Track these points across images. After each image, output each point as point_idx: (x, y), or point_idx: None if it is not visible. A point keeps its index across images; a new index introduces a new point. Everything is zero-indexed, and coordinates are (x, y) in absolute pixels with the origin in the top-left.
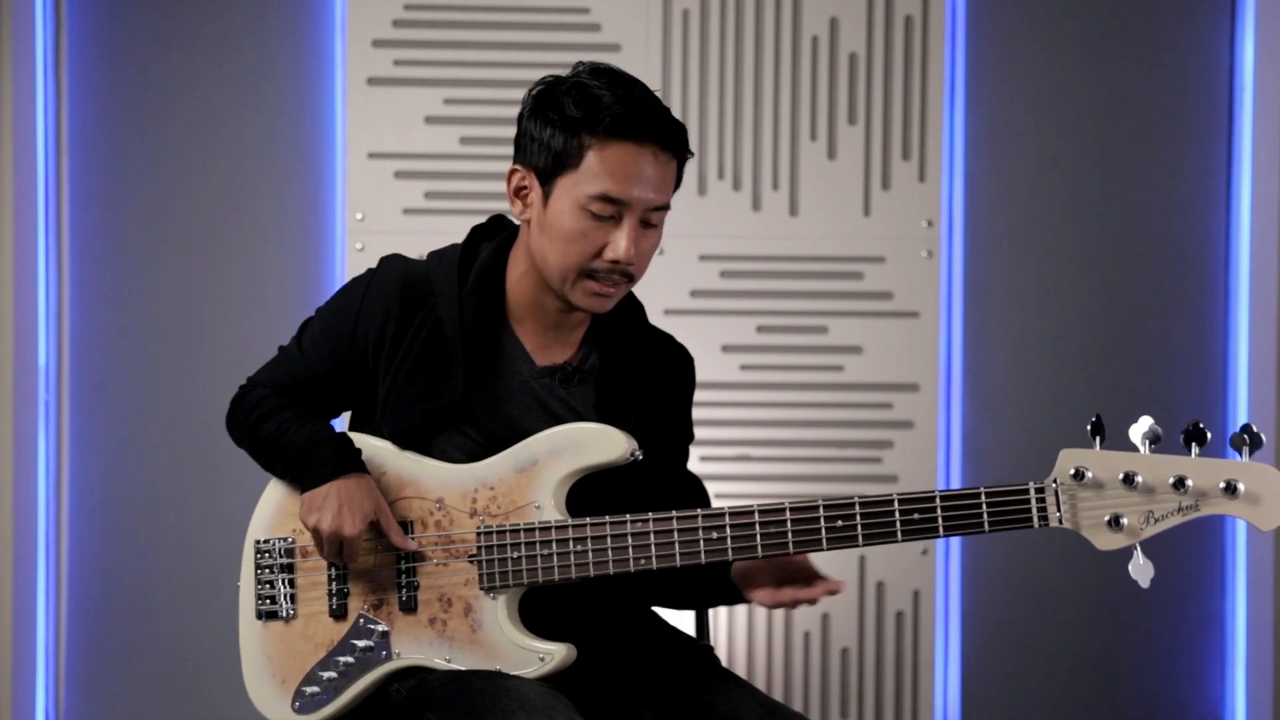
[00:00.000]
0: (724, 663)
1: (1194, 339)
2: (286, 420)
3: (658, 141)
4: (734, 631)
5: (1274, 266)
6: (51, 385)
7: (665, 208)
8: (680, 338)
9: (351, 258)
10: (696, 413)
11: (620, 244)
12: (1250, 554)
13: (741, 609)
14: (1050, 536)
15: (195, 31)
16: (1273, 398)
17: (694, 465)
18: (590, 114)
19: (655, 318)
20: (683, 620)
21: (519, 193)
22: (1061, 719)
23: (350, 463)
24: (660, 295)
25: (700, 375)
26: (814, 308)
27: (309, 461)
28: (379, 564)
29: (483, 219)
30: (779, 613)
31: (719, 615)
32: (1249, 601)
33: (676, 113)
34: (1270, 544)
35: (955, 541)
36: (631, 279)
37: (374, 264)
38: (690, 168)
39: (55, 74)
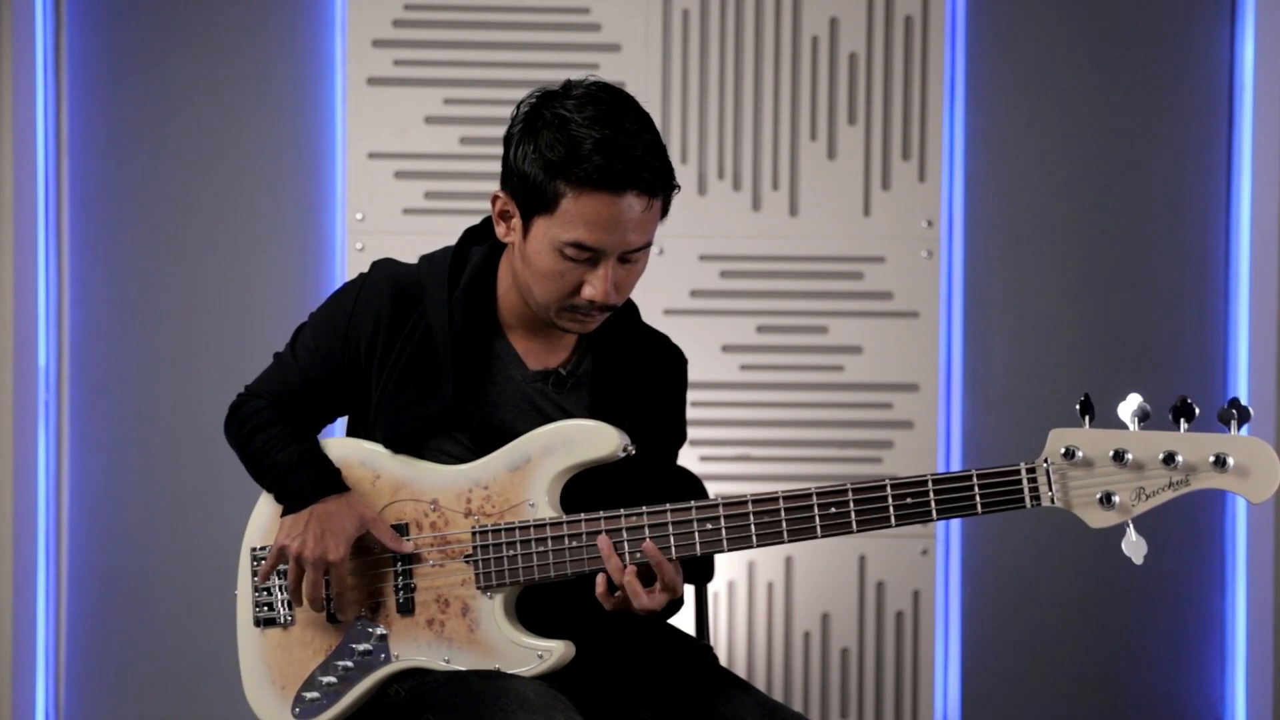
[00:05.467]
0: (724, 663)
1: (1194, 338)
2: (274, 437)
3: (637, 188)
4: (734, 631)
5: (1274, 266)
6: (51, 385)
7: (646, 245)
8: (680, 338)
9: (351, 258)
10: (696, 413)
11: (597, 286)
12: (1250, 554)
13: (741, 609)
14: (1050, 535)
15: (195, 32)
16: (1273, 397)
17: (694, 465)
18: (567, 159)
19: (655, 318)
20: (683, 620)
21: (503, 216)
22: (1061, 719)
23: (329, 484)
24: (660, 295)
25: (700, 375)
26: (814, 308)
27: (289, 484)
28: (371, 567)
29: (480, 220)
30: (779, 613)
31: (719, 615)
32: (1249, 601)
33: (676, 113)
34: (1270, 544)
35: (955, 541)
36: (613, 309)
37: (368, 268)
38: (690, 168)
39: (55, 74)
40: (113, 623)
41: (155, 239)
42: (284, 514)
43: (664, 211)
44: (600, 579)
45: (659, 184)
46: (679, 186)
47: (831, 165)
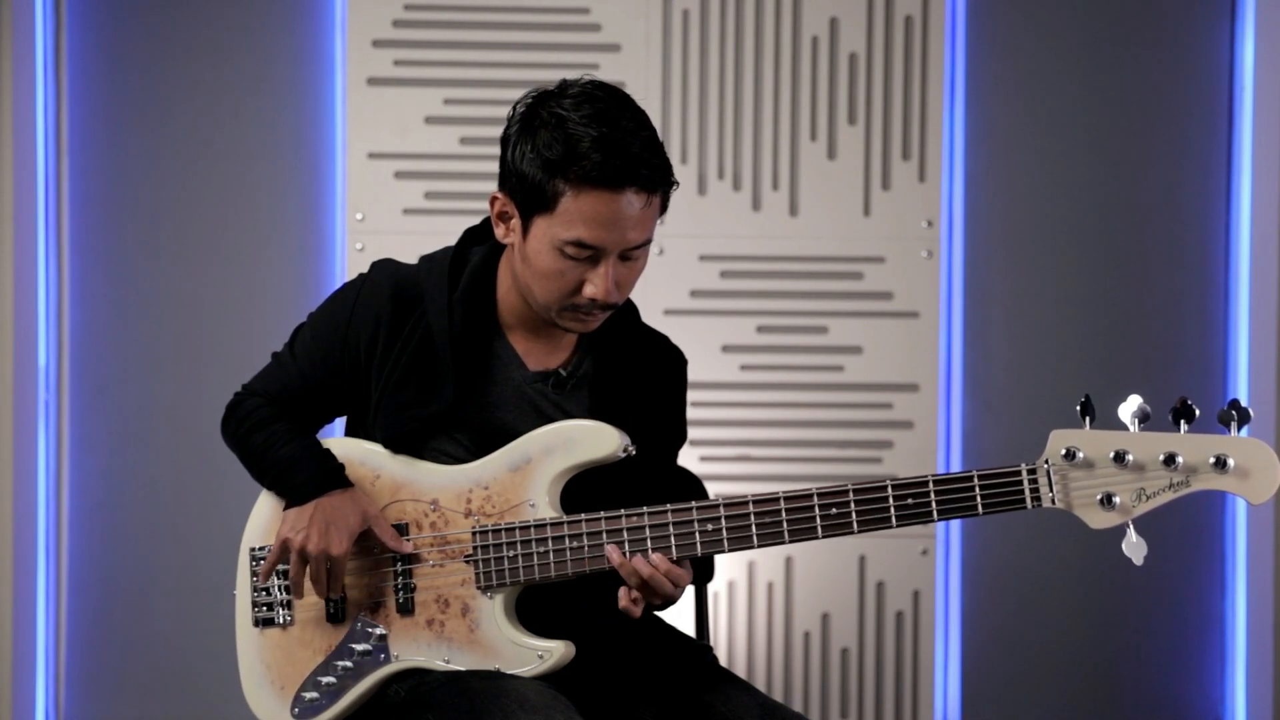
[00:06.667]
0: (724, 663)
1: (1194, 338)
2: (275, 433)
3: (636, 184)
4: (734, 631)
5: (1274, 267)
6: (51, 385)
7: (646, 243)
8: (680, 338)
9: (351, 258)
10: (696, 413)
11: (598, 284)
12: (1250, 554)
13: (741, 609)
14: (1050, 535)
15: (195, 32)
16: (1273, 398)
17: (694, 465)
18: (566, 158)
19: (655, 318)
20: (683, 620)
21: (501, 217)
22: (1061, 719)
23: (333, 479)
24: (660, 295)
25: (700, 375)
26: (814, 308)
27: (292, 479)
28: (371, 567)
29: (480, 220)
30: (779, 613)
31: (719, 615)
32: (1249, 601)
33: (676, 113)
34: (1270, 545)
35: (955, 541)
36: (614, 307)
37: (368, 267)
38: (690, 168)
39: (55, 74)
40: (113, 623)
41: (155, 239)
42: (286, 507)
43: (663, 208)
44: (623, 592)
45: (658, 180)
46: (677, 183)
47: (831, 165)
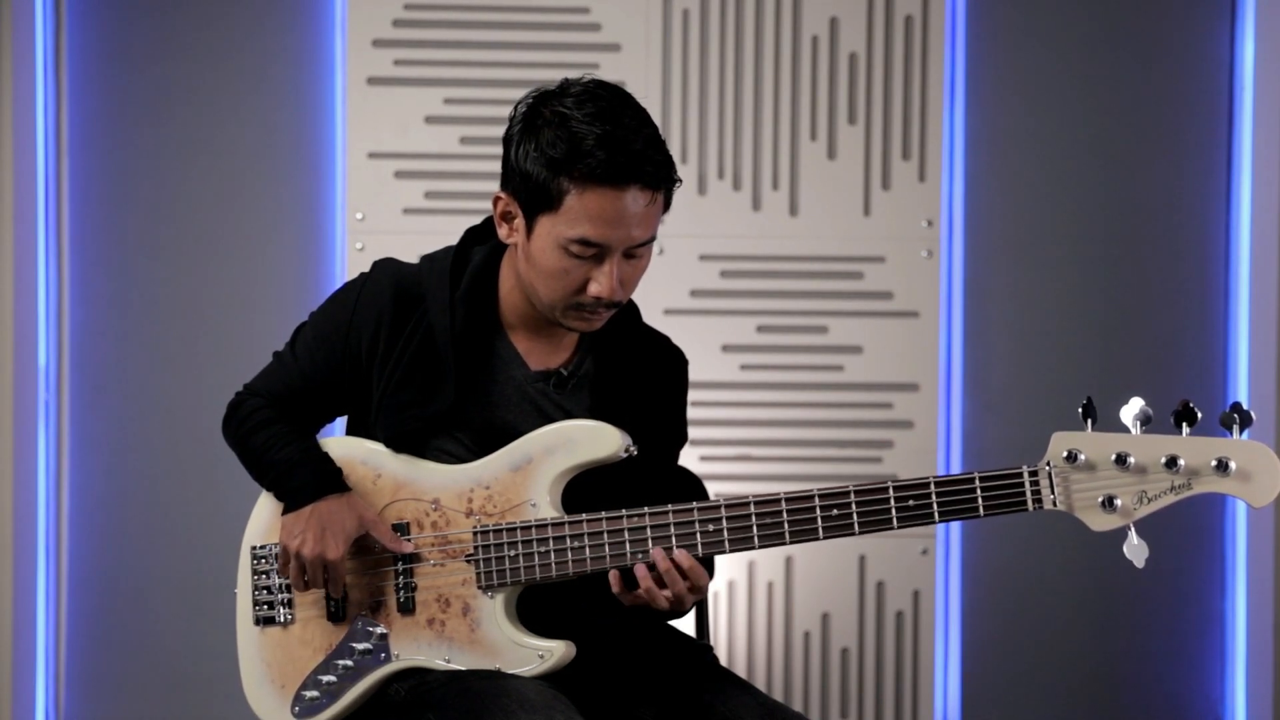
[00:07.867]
0: (724, 663)
1: (1194, 338)
2: (274, 435)
3: (640, 182)
4: (734, 631)
5: (1274, 267)
6: (51, 385)
7: (650, 240)
8: (680, 338)
9: (351, 258)
10: (696, 413)
11: (603, 282)
12: (1250, 554)
13: (741, 609)
14: (1050, 535)
15: (195, 31)
16: (1273, 398)
17: (694, 465)
18: (570, 156)
19: (655, 318)
20: (683, 620)
21: (505, 217)
22: (1061, 719)
23: (330, 483)
24: (660, 295)
25: (700, 375)
26: (814, 308)
27: (290, 483)
28: (371, 566)
29: (481, 219)
30: (779, 613)
31: (719, 615)
32: (1249, 601)
33: (676, 113)
34: (1270, 545)
35: (955, 541)
36: (618, 305)
37: (369, 267)
38: (690, 168)
39: (55, 74)
40: (113, 623)
41: (155, 239)
42: (285, 512)
43: (666, 205)
44: (614, 577)
45: (661, 177)
46: (680, 180)
47: (831, 165)
